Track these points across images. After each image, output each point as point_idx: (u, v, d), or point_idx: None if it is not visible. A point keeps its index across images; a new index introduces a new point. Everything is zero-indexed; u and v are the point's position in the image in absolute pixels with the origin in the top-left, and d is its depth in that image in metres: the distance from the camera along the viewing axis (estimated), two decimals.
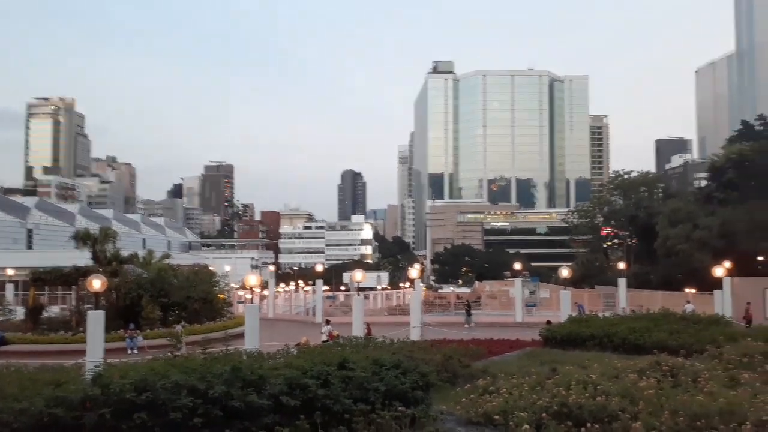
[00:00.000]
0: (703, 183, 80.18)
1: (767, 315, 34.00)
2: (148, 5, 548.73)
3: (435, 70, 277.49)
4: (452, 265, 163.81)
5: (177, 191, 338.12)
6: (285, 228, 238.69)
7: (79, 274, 33.96)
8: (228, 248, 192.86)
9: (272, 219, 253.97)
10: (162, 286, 35.00)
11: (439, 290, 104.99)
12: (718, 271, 36.21)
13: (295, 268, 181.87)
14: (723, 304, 34.60)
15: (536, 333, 22.42)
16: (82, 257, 40.58)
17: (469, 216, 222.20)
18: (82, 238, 40.76)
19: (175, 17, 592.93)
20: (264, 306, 53.40)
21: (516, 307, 42.98)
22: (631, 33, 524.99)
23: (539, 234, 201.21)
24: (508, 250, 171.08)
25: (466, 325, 38.72)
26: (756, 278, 40.35)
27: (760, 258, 49.81)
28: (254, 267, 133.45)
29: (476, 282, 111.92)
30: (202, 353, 9.60)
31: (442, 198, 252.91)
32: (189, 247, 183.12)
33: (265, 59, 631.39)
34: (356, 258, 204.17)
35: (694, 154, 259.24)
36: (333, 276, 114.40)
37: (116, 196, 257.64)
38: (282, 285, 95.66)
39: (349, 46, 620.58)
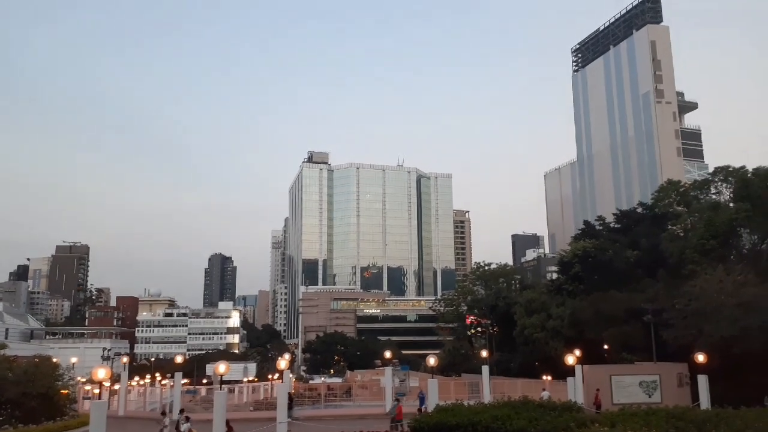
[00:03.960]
0: (554, 275, 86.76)
1: (614, 401, 36.72)
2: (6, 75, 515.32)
3: (310, 159, 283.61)
4: (324, 353, 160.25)
5: (22, 273, 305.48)
6: (143, 315, 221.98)
7: None
8: (77, 337, 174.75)
9: (129, 305, 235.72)
10: None
11: (310, 381, 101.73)
12: (570, 359, 38.89)
13: (153, 359, 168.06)
14: (575, 390, 36.99)
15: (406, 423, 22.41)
16: None
17: (342, 303, 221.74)
18: None
19: (35, 86, 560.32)
20: (114, 402, 48.45)
21: (386, 397, 42.73)
22: (490, 140, 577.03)
23: (409, 321, 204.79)
24: (380, 337, 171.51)
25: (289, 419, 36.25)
26: (603, 366, 43.66)
27: (606, 346, 54.19)
28: (106, 358, 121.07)
29: (348, 371, 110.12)
30: None
31: (315, 284, 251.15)
32: (31, 335, 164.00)
33: (136, 140, 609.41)
34: (222, 348, 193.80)
35: (546, 249, 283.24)
36: (195, 368, 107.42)
37: None
38: (137, 378, 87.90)
39: (222, 130, 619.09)
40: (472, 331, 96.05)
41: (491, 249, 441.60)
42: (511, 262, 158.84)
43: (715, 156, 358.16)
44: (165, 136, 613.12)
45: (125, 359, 76.36)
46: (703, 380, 34.84)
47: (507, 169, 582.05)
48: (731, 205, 54.60)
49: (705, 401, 33.43)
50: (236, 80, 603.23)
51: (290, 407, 38.07)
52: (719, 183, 60.75)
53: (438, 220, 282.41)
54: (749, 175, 54.02)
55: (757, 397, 35.46)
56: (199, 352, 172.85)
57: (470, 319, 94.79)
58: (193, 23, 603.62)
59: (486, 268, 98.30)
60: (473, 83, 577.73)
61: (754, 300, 39.36)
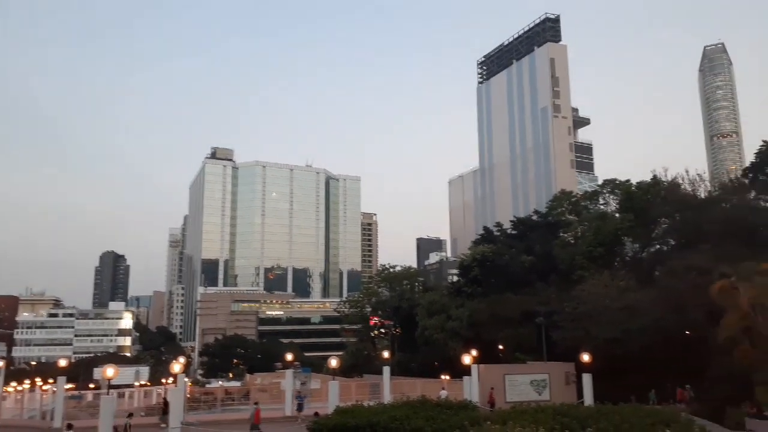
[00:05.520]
0: (455, 278, 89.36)
1: (507, 399, 38.30)
2: None
3: (214, 155, 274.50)
4: (223, 357, 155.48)
5: None
6: (24, 315, 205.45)
7: None
8: None
9: (8, 304, 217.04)
10: None
11: (207, 385, 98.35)
12: (466, 359, 40.16)
13: (34, 363, 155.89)
14: (471, 389, 38.23)
15: (305, 426, 22.18)
16: None
17: (244, 305, 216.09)
18: None
19: None
20: None
21: (286, 399, 42.09)
22: (399, 145, 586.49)
23: (314, 323, 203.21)
24: (282, 340, 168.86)
25: (163, 425, 34.78)
26: (498, 365, 45.46)
27: (501, 346, 56.54)
28: None
29: (248, 375, 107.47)
30: None
31: (215, 285, 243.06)
32: None
33: (16, 130, 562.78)
34: (112, 350, 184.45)
35: (448, 253, 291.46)
36: (82, 372, 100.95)
37: None
38: (14, 384, 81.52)
39: (115, 122, 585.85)
40: (376, 332, 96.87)
41: (397, 252, 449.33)
42: (415, 265, 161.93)
43: (604, 169, 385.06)
44: (50, 126, 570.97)
45: (0, 363, 70.00)
46: (587, 379, 37.13)
47: (414, 175, 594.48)
48: (617, 215, 58.84)
49: (589, 398, 35.62)
50: (134, 70, 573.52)
51: (165, 413, 35.57)
52: (607, 194, 65.36)
53: (346, 222, 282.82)
54: (633, 188, 58.56)
55: (636, 394, 38.37)
56: (87, 355, 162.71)
57: (374, 320, 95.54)
58: (92, 14, 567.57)
59: (391, 270, 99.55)
60: (385, 88, 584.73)
61: (634, 304, 42.58)
